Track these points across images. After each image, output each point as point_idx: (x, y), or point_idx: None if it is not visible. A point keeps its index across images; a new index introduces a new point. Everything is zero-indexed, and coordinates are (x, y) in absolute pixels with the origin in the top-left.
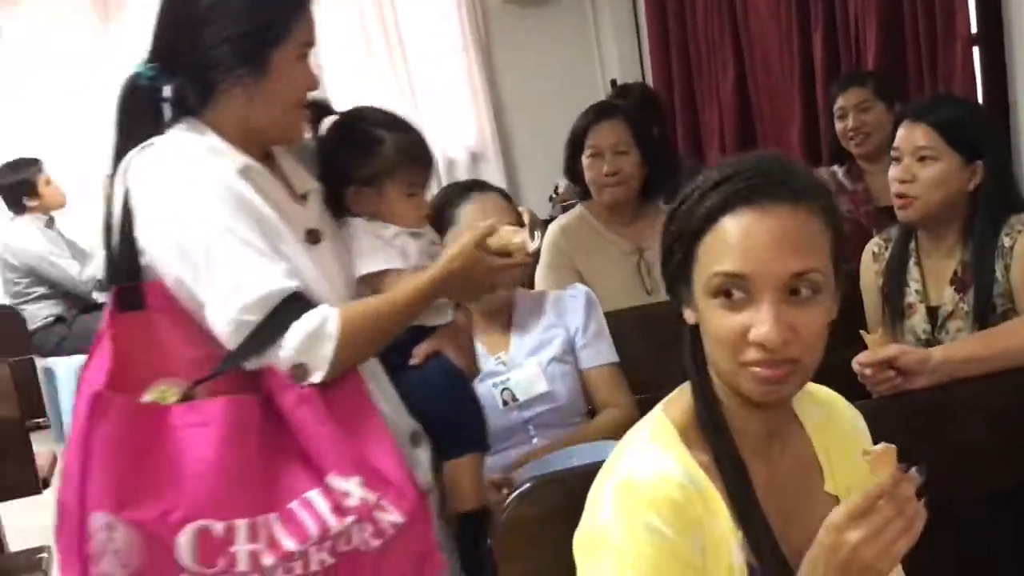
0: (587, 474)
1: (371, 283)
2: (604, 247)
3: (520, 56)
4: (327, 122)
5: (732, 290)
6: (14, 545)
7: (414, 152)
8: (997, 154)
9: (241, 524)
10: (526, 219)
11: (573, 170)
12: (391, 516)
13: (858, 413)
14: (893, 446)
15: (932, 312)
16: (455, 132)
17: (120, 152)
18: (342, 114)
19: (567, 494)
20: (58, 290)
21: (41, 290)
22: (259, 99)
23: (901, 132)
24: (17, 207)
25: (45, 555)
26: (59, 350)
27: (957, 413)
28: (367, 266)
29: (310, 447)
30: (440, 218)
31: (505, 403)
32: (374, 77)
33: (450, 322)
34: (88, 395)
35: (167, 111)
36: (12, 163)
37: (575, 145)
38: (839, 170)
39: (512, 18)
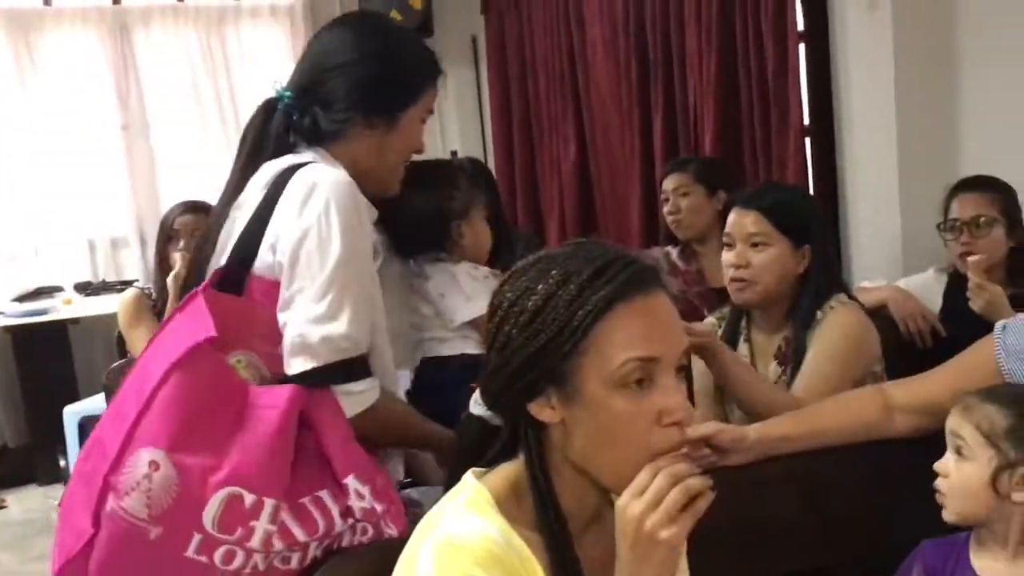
0: (383, 550)
1: (480, 324)
2: None
3: None
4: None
5: (643, 377)
6: None
7: (480, 179)
8: (823, 238)
9: (269, 503)
10: None
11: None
12: (390, 530)
13: None
14: None
15: None
16: None
17: (251, 161)
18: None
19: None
20: None
21: None
22: (381, 146)
23: (732, 219)
24: None
25: None
26: None
27: (769, 489)
28: (478, 309)
29: (332, 450)
30: None
31: None
32: (207, 141)
33: None
34: (186, 344)
35: (291, 135)
36: None
37: None
38: (673, 251)
39: None
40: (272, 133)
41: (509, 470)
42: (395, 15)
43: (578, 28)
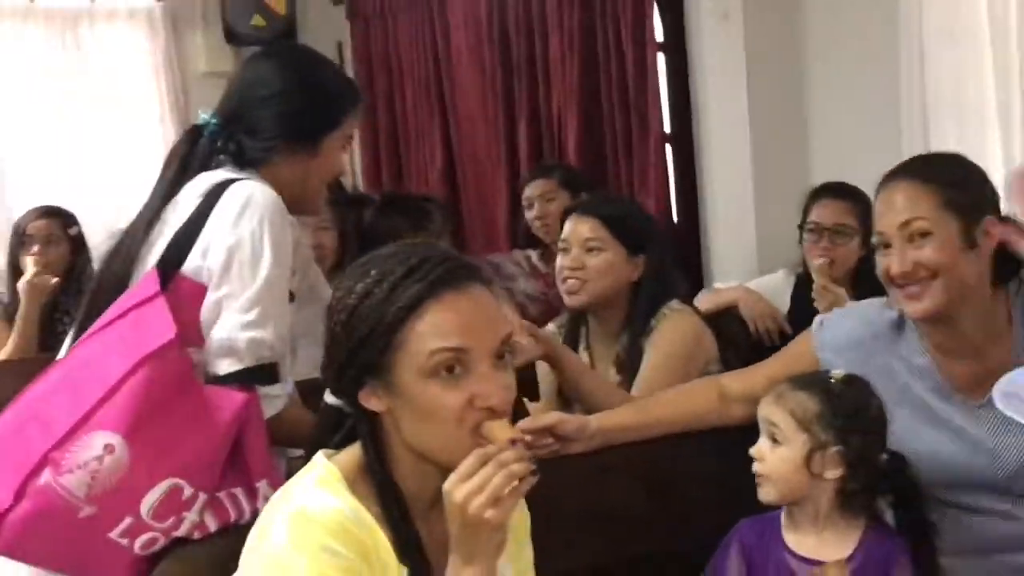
0: (230, 543)
1: None
2: None
3: None
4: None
5: (454, 365)
6: None
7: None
8: (658, 249)
9: (202, 497)
10: None
11: None
12: None
13: None
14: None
15: None
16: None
17: (177, 180)
18: (383, 197)
19: (211, 554)
20: None
21: None
22: (304, 170)
23: (569, 225)
24: None
25: None
26: None
27: (612, 476)
28: None
29: (250, 453)
30: None
31: None
32: (59, 148)
33: None
34: (158, 340)
35: (216, 158)
36: None
37: None
38: (533, 254)
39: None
40: (198, 156)
41: (357, 451)
42: (258, 20)
43: (443, 35)
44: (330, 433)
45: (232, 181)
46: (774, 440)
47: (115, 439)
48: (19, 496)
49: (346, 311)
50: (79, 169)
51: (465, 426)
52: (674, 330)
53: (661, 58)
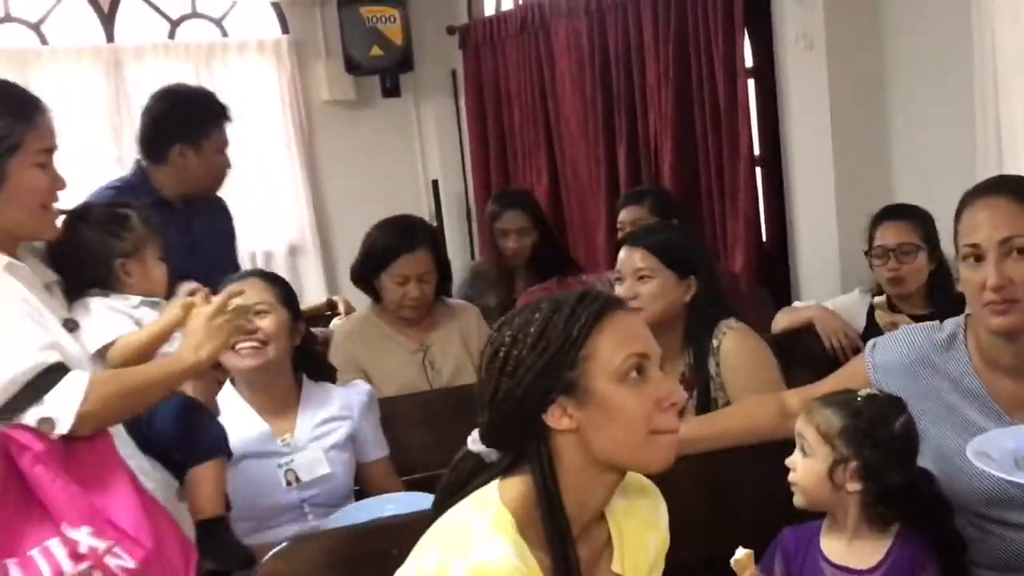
0: (344, 535)
1: (106, 353)
2: (390, 347)
3: (343, 154)
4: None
5: (641, 369)
6: None
7: (153, 220)
8: (706, 270)
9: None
10: (342, 308)
11: (365, 278)
12: (123, 562)
13: (662, 503)
14: (750, 552)
15: None
16: (275, 226)
17: None
18: (73, 209)
19: (325, 552)
20: None
21: None
22: (4, 204)
23: (621, 256)
24: None
25: None
26: None
27: (678, 485)
28: (103, 338)
29: (46, 501)
30: None
31: (288, 483)
32: None
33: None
34: None
35: None
36: None
37: (378, 262)
38: None
39: (337, 118)
40: None
41: (520, 488)
42: (376, 51)
43: (548, 63)
44: (464, 482)
45: None
46: (804, 452)
47: None
48: None
49: (531, 336)
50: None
51: (650, 425)
52: (740, 348)
53: (751, 84)
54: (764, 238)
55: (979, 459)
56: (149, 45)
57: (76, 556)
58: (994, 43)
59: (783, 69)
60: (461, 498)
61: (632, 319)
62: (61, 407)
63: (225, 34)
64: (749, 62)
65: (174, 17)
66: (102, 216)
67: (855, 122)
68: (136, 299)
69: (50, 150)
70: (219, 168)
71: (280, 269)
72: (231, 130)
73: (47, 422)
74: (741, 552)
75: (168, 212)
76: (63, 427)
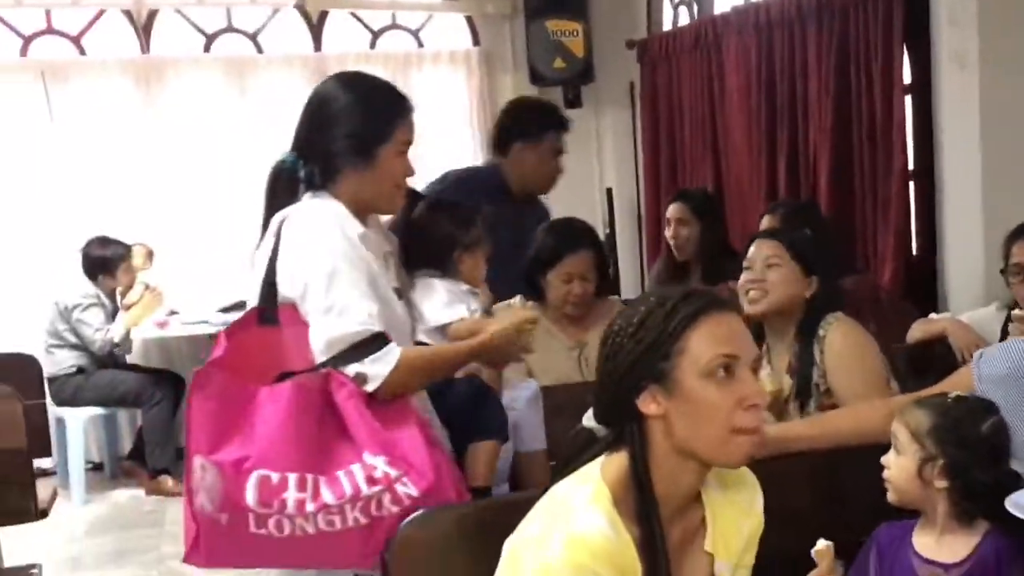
0: (475, 507)
1: (447, 329)
2: (551, 344)
3: None
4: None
5: (729, 368)
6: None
7: (489, 222)
8: (830, 273)
9: (291, 476)
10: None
11: (531, 277)
12: (408, 490)
13: (758, 492)
14: (831, 543)
15: (776, 395)
16: None
17: (267, 217)
18: (434, 198)
19: (457, 521)
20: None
21: (73, 339)
22: (368, 180)
23: (752, 248)
24: (92, 278)
25: (36, 571)
26: (74, 400)
27: (785, 480)
28: (446, 316)
29: (353, 432)
30: None
31: None
32: None
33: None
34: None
35: (301, 187)
36: (106, 239)
37: (545, 261)
38: None
39: None
40: (280, 191)
41: (620, 465)
42: (559, 63)
43: (719, 76)
44: (577, 454)
45: (287, 216)
46: (897, 451)
47: (201, 460)
48: (196, 520)
49: (632, 326)
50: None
51: (730, 423)
52: (847, 334)
53: (908, 100)
54: (914, 251)
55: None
56: (351, 54)
57: (372, 480)
58: None
59: (938, 86)
60: (575, 470)
61: (729, 320)
62: (375, 369)
63: (421, 45)
64: (907, 79)
65: (375, 28)
66: (455, 211)
67: (1005, 140)
68: (464, 286)
69: (410, 142)
70: (553, 169)
71: None
72: (425, 137)
73: (361, 377)
74: (822, 543)
75: (505, 205)
76: (372, 385)
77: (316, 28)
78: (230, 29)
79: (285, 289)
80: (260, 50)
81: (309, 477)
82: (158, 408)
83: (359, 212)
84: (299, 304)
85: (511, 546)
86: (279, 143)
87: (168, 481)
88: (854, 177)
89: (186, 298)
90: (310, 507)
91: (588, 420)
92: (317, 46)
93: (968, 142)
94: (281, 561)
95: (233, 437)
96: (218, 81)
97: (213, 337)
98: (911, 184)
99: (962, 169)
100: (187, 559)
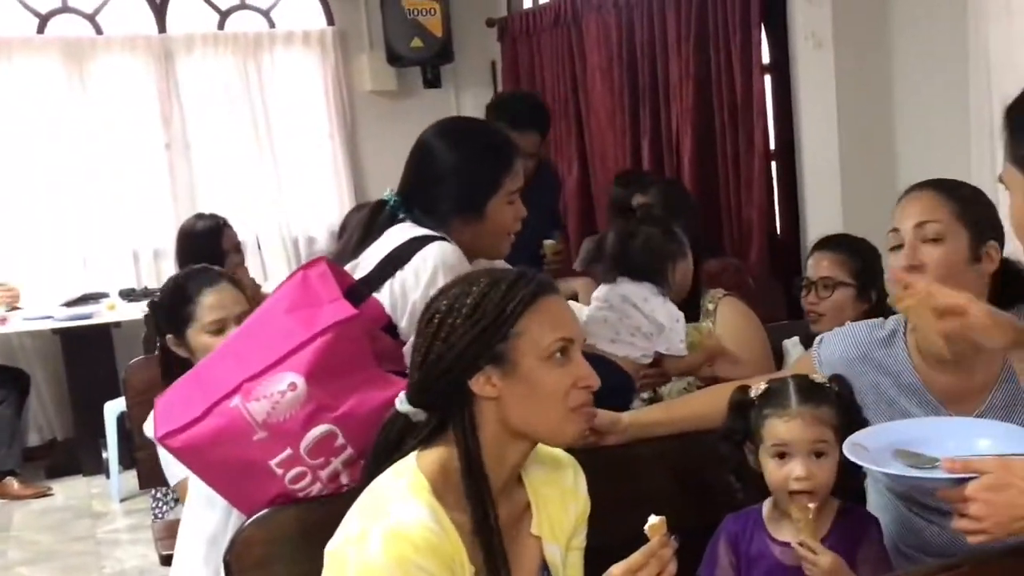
0: (316, 505)
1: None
2: None
3: (385, 143)
4: None
5: (565, 351)
6: None
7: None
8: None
9: (349, 450)
10: None
11: None
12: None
13: (580, 474)
14: (663, 518)
15: None
16: (318, 212)
17: (364, 240)
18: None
19: (298, 521)
20: None
21: None
22: (478, 231)
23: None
24: None
25: None
26: None
27: (642, 466)
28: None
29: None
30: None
31: None
32: (242, 159)
33: None
34: (345, 314)
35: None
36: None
37: None
38: None
39: (379, 108)
40: (378, 225)
41: (438, 454)
42: (417, 43)
43: (580, 55)
44: (395, 442)
45: (425, 240)
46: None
47: (299, 380)
48: (207, 413)
49: (467, 307)
50: (262, 176)
51: (567, 403)
52: (735, 309)
53: (767, 80)
54: (778, 230)
55: (852, 451)
56: (198, 36)
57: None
58: (987, 38)
59: (796, 66)
60: (393, 463)
61: (561, 304)
62: None
63: (272, 25)
64: (766, 58)
65: (223, 8)
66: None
67: (861, 118)
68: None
69: (519, 189)
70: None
71: (322, 253)
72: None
73: None
74: (654, 519)
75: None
76: None
77: (160, 8)
78: (65, 9)
79: (385, 294)
80: (100, 31)
81: (356, 455)
82: (2, 407)
83: (467, 254)
84: (397, 319)
85: (332, 549)
86: (118, 135)
87: (14, 484)
88: (717, 157)
89: (28, 293)
90: (344, 479)
91: (401, 404)
92: (161, 27)
93: (826, 120)
94: (248, 494)
95: (335, 383)
96: (55, 66)
97: (56, 332)
98: (773, 163)
99: (821, 147)
100: (162, 438)
